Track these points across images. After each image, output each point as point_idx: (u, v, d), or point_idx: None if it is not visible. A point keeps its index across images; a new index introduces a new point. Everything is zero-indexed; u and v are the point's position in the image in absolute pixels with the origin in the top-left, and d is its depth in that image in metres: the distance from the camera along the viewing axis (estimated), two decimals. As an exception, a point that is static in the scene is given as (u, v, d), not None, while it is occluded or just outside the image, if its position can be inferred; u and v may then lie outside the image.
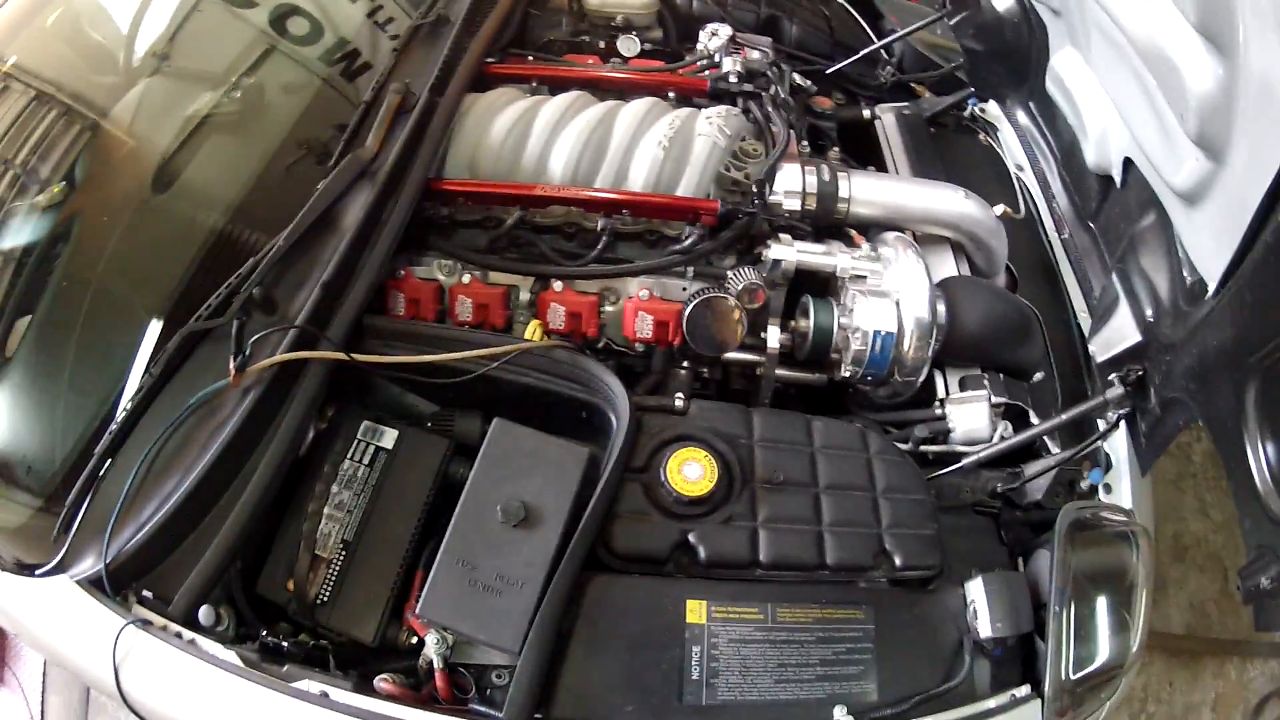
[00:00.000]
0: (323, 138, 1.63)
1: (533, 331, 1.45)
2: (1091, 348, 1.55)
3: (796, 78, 2.00)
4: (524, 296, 1.56)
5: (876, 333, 1.52)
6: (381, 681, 1.17)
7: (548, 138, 1.61)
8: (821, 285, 1.63)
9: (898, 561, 1.32)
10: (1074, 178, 1.74)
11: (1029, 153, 1.91)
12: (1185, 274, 1.30)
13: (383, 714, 1.13)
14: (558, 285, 1.53)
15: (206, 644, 1.16)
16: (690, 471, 1.28)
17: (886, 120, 2.01)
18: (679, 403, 1.39)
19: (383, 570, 1.26)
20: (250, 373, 1.24)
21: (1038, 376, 1.66)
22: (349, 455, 1.33)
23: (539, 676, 1.12)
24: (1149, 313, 1.39)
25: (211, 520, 1.20)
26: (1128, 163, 1.47)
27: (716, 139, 1.63)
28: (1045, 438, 1.56)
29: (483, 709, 1.18)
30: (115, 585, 1.17)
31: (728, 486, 1.31)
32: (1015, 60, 1.78)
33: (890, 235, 1.64)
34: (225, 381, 1.23)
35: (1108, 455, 1.57)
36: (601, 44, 2.00)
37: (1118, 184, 1.54)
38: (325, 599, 1.25)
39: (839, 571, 1.31)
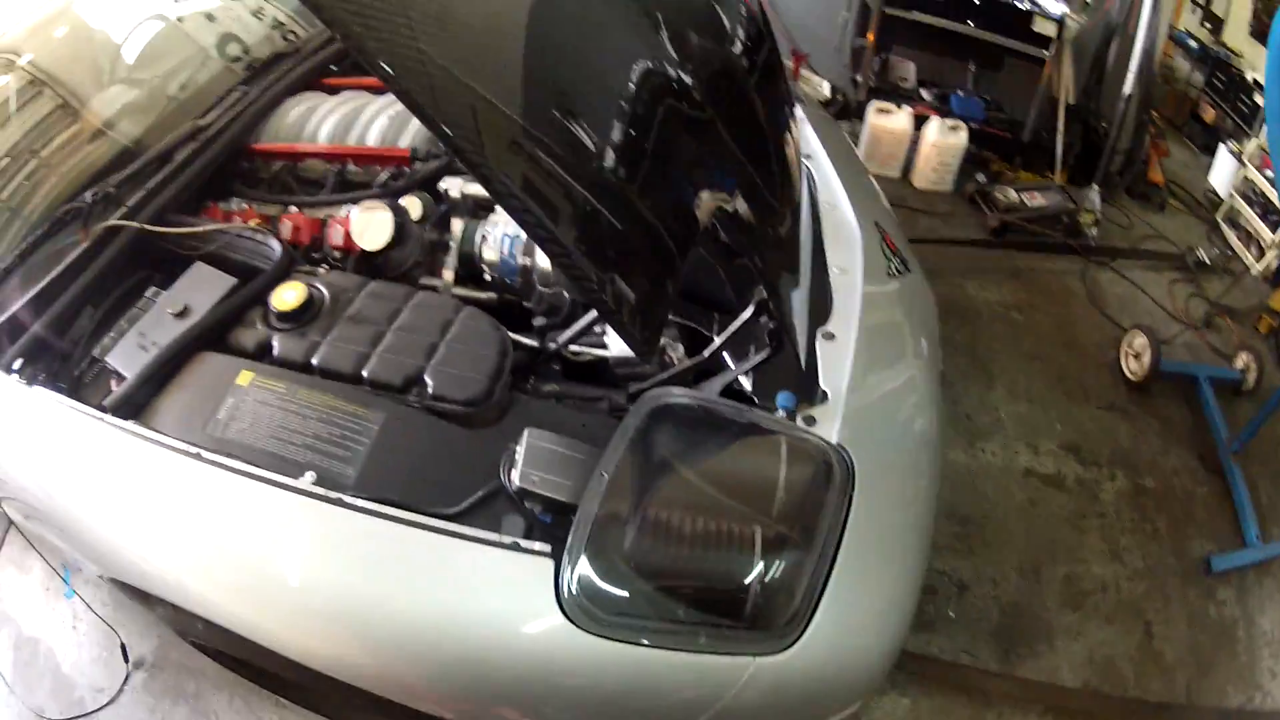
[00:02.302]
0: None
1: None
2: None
3: None
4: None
5: (504, 236, 1.88)
6: None
7: (320, 118, 2.21)
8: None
9: (430, 389, 1.53)
10: None
11: None
12: None
13: None
14: (293, 209, 2.05)
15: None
16: (287, 294, 1.67)
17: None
18: (321, 270, 1.83)
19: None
20: (92, 232, 1.84)
21: (763, 320, 1.67)
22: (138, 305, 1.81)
23: (134, 390, 1.55)
24: None
25: (40, 319, 1.72)
26: None
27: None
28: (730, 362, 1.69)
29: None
30: None
31: (314, 313, 1.68)
32: None
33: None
34: (77, 237, 1.85)
35: (824, 391, 1.59)
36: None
37: None
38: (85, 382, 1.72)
39: (375, 387, 1.56)
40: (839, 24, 4.39)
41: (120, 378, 1.62)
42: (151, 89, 2.31)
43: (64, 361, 1.72)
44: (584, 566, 1.26)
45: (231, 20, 2.55)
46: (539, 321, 1.87)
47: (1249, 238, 3.87)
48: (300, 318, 1.67)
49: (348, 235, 1.95)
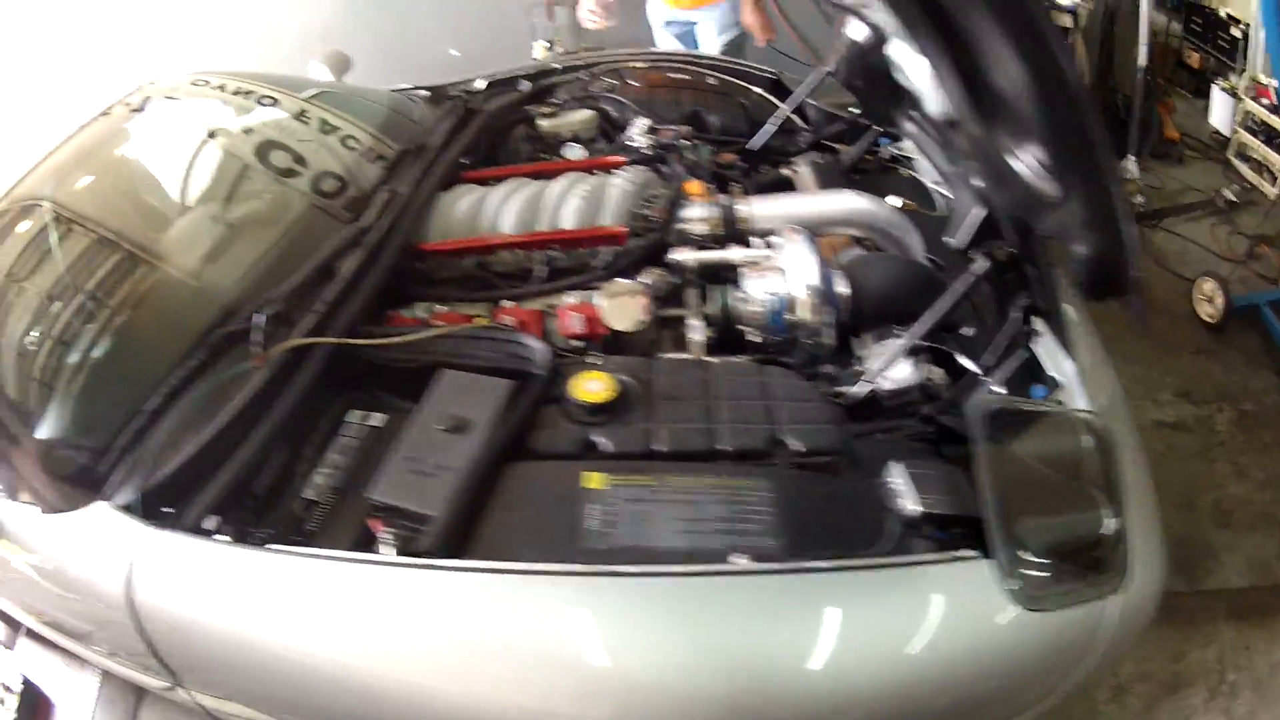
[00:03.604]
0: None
1: (478, 326, 1.82)
2: (952, 244, 1.70)
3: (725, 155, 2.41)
4: (482, 321, 1.92)
5: (768, 296, 1.80)
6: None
7: (498, 207, 2.06)
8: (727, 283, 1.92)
9: (795, 446, 1.46)
10: (948, 145, 1.96)
11: (924, 153, 2.17)
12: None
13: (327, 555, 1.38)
14: (508, 304, 1.89)
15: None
16: (591, 385, 1.54)
17: (802, 170, 2.35)
18: (597, 360, 1.69)
19: (360, 507, 1.50)
20: (270, 355, 1.64)
21: (969, 331, 1.78)
22: (342, 433, 1.66)
23: (454, 524, 1.35)
24: (977, 184, 1.57)
25: (227, 464, 1.50)
26: None
27: (625, 185, 2.05)
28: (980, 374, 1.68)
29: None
30: (145, 509, 1.45)
31: (626, 400, 1.55)
32: (882, 78, 2.08)
33: (783, 230, 1.94)
34: (250, 364, 1.63)
35: (1053, 377, 1.65)
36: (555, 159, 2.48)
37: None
38: (315, 530, 1.52)
39: (738, 458, 1.46)
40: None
41: (382, 514, 1.42)
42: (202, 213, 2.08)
43: (262, 512, 1.53)
44: (1014, 557, 1.30)
45: (272, 129, 2.29)
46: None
47: (1261, 167, 4.07)
48: (613, 408, 1.54)
49: (589, 320, 1.83)
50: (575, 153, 2.39)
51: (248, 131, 2.25)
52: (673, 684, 1.23)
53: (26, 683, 2.21)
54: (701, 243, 1.98)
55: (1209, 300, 3.45)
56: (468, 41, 3.79)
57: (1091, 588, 1.32)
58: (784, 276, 1.81)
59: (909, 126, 2.21)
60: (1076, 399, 1.60)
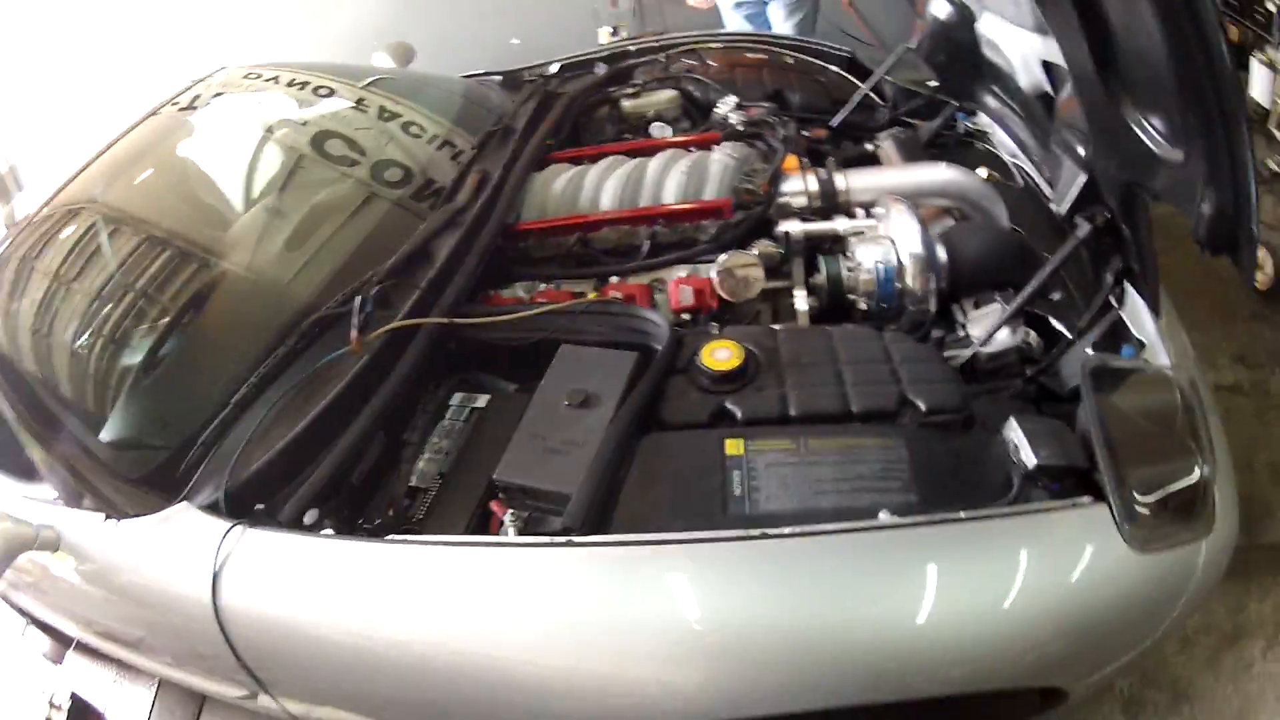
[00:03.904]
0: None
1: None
2: (1053, 208, 1.73)
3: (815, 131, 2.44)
4: (590, 297, 1.95)
5: (878, 265, 1.82)
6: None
7: (597, 184, 2.08)
8: (830, 253, 1.95)
9: (923, 406, 1.48)
10: (1033, 118, 1.98)
11: (1005, 128, 2.21)
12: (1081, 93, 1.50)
13: (462, 541, 1.35)
14: (614, 279, 1.92)
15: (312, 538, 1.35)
16: (720, 354, 1.55)
17: (886, 145, 2.37)
18: (714, 329, 1.71)
19: (471, 490, 1.47)
20: (369, 340, 1.60)
21: (1055, 296, 1.81)
22: (449, 416, 1.64)
23: (595, 496, 1.32)
24: (1080, 149, 1.58)
25: (323, 458, 1.44)
26: (1046, 66, 1.73)
27: (726, 160, 2.07)
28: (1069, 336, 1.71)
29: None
30: (231, 507, 1.38)
31: (755, 367, 1.56)
32: (967, 52, 2.10)
33: (883, 199, 1.97)
34: (348, 348, 1.59)
35: (1139, 339, 1.68)
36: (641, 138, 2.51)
37: (1052, 93, 1.79)
38: (420, 518, 1.46)
39: (867, 419, 1.47)
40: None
41: (507, 496, 1.42)
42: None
43: (362, 503, 1.50)
44: (1127, 502, 1.33)
45: (329, 119, 2.28)
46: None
47: (1303, 137, 4.09)
48: (742, 375, 1.55)
49: (699, 293, 1.86)
50: (662, 131, 2.42)
51: (304, 123, 2.24)
52: (845, 639, 1.25)
53: (75, 698, 2.20)
54: (802, 215, 2.01)
55: (1260, 268, 3.46)
56: (529, 31, 3.81)
57: (1188, 531, 1.36)
58: (892, 245, 1.84)
59: (990, 101, 2.24)
60: (1160, 357, 1.64)
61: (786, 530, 1.26)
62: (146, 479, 1.57)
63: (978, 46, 2.11)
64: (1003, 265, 1.86)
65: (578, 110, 2.51)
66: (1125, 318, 1.73)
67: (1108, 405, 1.46)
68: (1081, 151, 1.63)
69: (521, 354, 1.73)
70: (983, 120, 2.44)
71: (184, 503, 1.44)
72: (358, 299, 1.68)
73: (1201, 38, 1.21)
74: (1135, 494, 1.33)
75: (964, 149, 2.42)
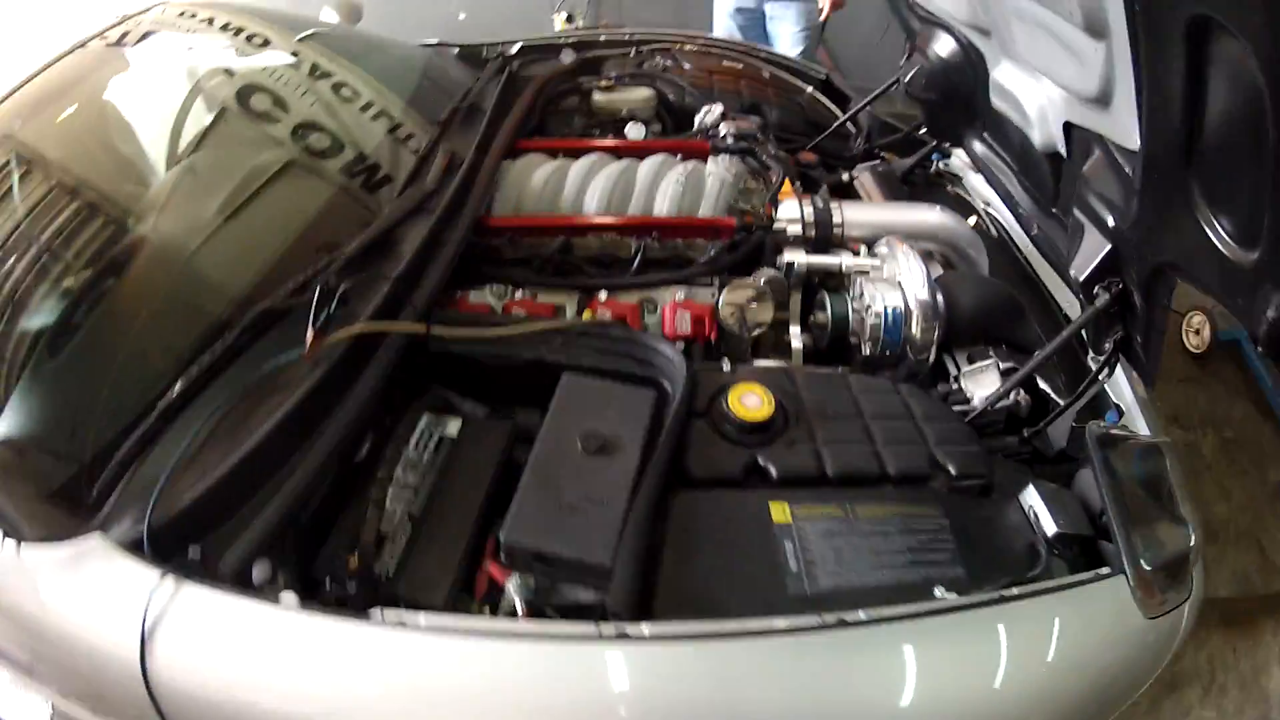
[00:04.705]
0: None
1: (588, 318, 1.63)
2: (1072, 273, 1.70)
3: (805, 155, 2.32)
4: (570, 312, 1.73)
5: (887, 309, 1.71)
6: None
7: (581, 183, 1.88)
8: (830, 290, 1.84)
9: (952, 471, 1.41)
10: (1030, 175, 1.95)
11: (989, 177, 2.17)
12: (1126, 167, 1.44)
13: (478, 629, 1.10)
14: (602, 295, 1.72)
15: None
16: (749, 401, 1.40)
17: (863, 178, 2.29)
18: (726, 366, 1.55)
19: (451, 541, 1.25)
20: (325, 344, 1.32)
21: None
22: (414, 444, 1.37)
23: (637, 577, 1.14)
24: (1109, 220, 1.54)
25: (270, 490, 1.18)
26: (1067, 128, 1.70)
27: (724, 176, 1.91)
28: (1056, 398, 1.69)
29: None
30: (158, 548, 1.10)
31: (784, 417, 1.43)
32: (964, 96, 2.05)
33: (885, 238, 1.87)
34: (299, 351, 1.30)
35: (1117, 405, 1.70)
36: (610, 135, 2.30)
37: (1064, 154, 1.74)
38: (391, 574, 1.21)
39: (902, 482, 1.38)
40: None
41: (515, 562, 1.19)
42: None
43: (314, 551, 1.24)
44: (1141, 572, 1.33)
45: (258, 72, 1.96)
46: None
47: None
48: (772, 427, 1.40)
49: (698, 321, 1.69)
50: (638, 131, 2.23)
51: (233, 74, 1.94)
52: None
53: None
54: (800, 244, 1.88)
55: (1196, 332, 3.73)
56: (479, 7, 3.50)
57: (1179, 595, 1.39)
58: (896, 284, 1.75)
59: (978, 146, 2.20)
60: (1139, 424, 1.69)
61: (864, 616, 1.13)
62: (51, 496, 1.25)
63: (976, 91, 2.05)
64: (998, 320, 1.81)
65: (548, 96, 2.28)
66: (1105, 384, 1.71)
67: (1116, 475, 1.44)
68: (1111, 222, 1.58)
69: (503, 374, 1.52)
70: (955, 163, 2.40)
71: (97, 534, 1.15)
72: (319, 290, 1.40)
73: None
74: (1144, 563, 1.33)
75: (933, 189, 2.39)
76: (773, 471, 1.35)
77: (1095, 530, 1.38)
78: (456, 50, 2.51)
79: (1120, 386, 1.73)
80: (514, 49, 2.49)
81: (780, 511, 1.27)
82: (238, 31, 2.06)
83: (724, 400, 1.41)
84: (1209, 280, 1.40)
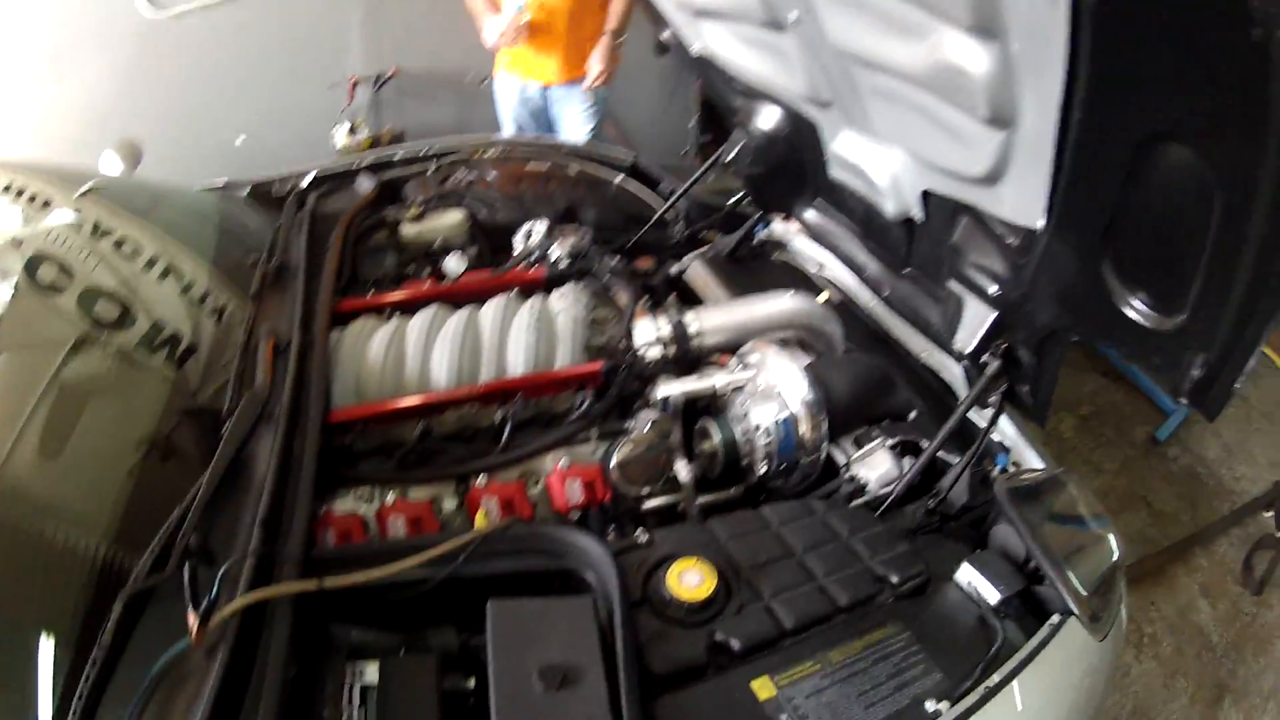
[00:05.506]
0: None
1: (481, 522, 1.45)
2: (956, 347, 1.72)
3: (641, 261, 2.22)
4: (449, 504, 1.55)
5: (777, 422, 1.67)
6: None
7: (424, 350, 1.69)
8: (705, 411, 1.77)
9: (894, 580, 1.42)
10: (878, 240, 1.96)
11: (827, 245, 2.18)
12: (1010, 240, 1.48)
13: None
14: (481, 480, 1.55)
15: None
16: (690, 579, 1.32)
17: (694, 270, 2.24)
18: (643, 538, 1.43)
19: None
20: (214, 625, 1.11)
21: (914, 415, 1.83)
22: (334, 704, 1.16)
23: None
24: (993, 290, 1.57)
25: None
26: (925, 195, 1.71)
27: (575, 312, 1.79)
28: (945, 455, 1.70)
29: None
30: None
31: (726, 585, 1.35)
32: (792, 168, 2.04)
33: (749, 344, 1.82)
34: (186, 641, 1.10)
35: (1000, 443, 1.76)
36: (426, 270, 2.12)
37: (919, 219, 1.75)
38: None
39: (854, 609, 1.38)
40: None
41: None
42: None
43: None
44: (1084, 603, 1.42)
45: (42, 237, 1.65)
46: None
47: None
48: (718, 599, 1.33)
49: (589, 486, 1.57)
50: (457, 263, 2.05)
51: (19, 243, 1.61)
52: None
53: None
54: (659, 370, 1.79)
55: None
56: (258, 127, 3.12)
57: (1115, 603, 1.49)
58: (775, 394, 1.70)
59: (810, 215, 2.20)
60: (1027, 456, 1.76)
61: None
62: None
63: (806, 161, 2.03)
64: (874, 396, 1.81)
65: (354, 236, 2.04)
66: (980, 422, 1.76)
67: (1036, 522, 1.49)
68: (995, 291, 1.61)
69: (410, 602, 1.32)
70: (777, 229, 2.40)
71: None
72: (186, 565, 1.16)
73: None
74: (1083, 592, 1.40)
75: (760, 261, 2.38)
76: (734, 645, 1.27)
77: (1027, 578, 1.44)
78: (247, 190, 2.21)
79: (1002, 425, 1.77)
80: (306, 181, 2.22)
81: (764, 687, 1.22)
82: (19, 193, 1.72)
83: (662, 585, 1.32)
84: (1119, 343, 1.43)
